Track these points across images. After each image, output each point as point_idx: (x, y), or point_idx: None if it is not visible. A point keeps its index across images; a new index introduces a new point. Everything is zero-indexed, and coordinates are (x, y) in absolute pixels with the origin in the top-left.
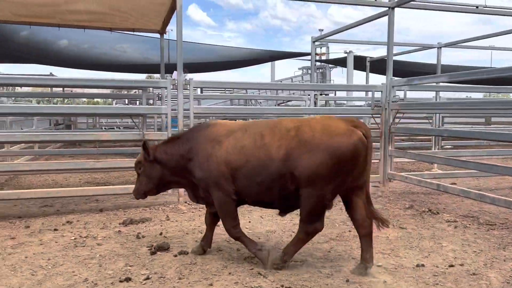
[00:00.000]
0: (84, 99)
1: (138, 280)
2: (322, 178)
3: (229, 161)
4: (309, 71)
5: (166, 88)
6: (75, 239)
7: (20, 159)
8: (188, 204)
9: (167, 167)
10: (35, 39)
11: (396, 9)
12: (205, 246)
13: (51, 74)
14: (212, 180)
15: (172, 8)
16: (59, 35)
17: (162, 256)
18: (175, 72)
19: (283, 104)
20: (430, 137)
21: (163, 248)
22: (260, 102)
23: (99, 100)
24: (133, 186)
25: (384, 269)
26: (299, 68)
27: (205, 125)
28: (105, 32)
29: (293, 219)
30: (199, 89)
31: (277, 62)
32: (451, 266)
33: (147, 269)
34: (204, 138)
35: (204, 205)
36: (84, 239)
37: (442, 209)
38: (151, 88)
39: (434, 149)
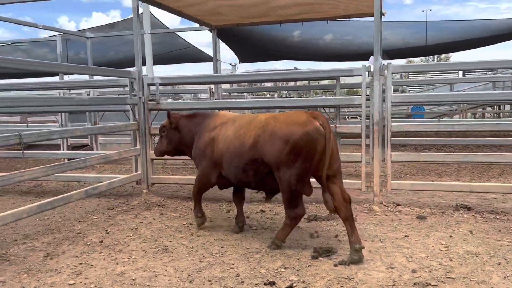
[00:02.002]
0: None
1: (281, 286)
2: (283, 163)
3: (217, 149)
4: None
5: (361, 76)
6: (256, 229)
7: None
8: (385, 205)
9: (183, 138)
10: (305, 37)
11: None
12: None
13: (295, 68)
14: (203, 163)
15: None
16: (324, 30)
17: (321, 263)
18: (371, 58)
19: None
20: None
21: (328, 253)
22: None
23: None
24: None
25: None
26: None
27: (209, 114)
28: (366, 22)
29: None
30: (460, 72)
31: None
32: None
33: (298, 275)
34: (207, 126)
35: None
36: (263, 230)
37: None
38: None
39: None
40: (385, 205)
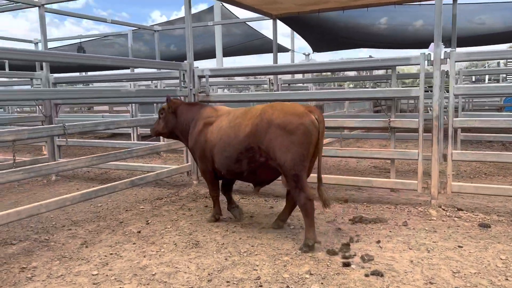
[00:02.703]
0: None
1: None
2: (279, 149)
3: (210, 140)
4: None
5: (419, 65)
6: (293, 228)
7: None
8: (443, 209)
9: (179, 124)
10: (393, 23)
11: None
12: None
13: (370, 57)
14: (198, 153)
15: None
16: (414, 16)
17: (352, 272)
18: (431, 45)
19: None
20: None
21: (363, 260)
22: None
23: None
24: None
25: None
26: None
27: (207, 106)
28: (462, 5)
29: None
30: None
31: None
32: None
33: (322, 283)
34: (201, 116)
35: None
36: (302, 230)
37: None
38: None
39: None
40: (443, 209)
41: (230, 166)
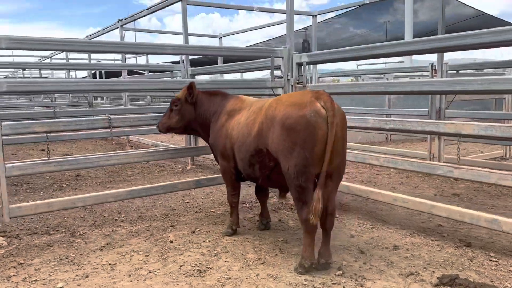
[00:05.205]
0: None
1: None
2: (281, 152)
3: (231, 136)
4: None
5: None
6: (339, 275)
7: None
8: None
9: (199, 116)
10: None
11: None
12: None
13: None
14: (219, 150)
15: None
16: None
17: None
18: None
19: None
20: None
21: None
22: None
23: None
24: None
25: None
26: None
27: (230, 96)
28: None
29: None
30: None
31: None
32: None
33: None
34: (225, 108)
35: None
36: (345, 280)
37: None
38: None
39: None
40: None
41: (246, 169)
